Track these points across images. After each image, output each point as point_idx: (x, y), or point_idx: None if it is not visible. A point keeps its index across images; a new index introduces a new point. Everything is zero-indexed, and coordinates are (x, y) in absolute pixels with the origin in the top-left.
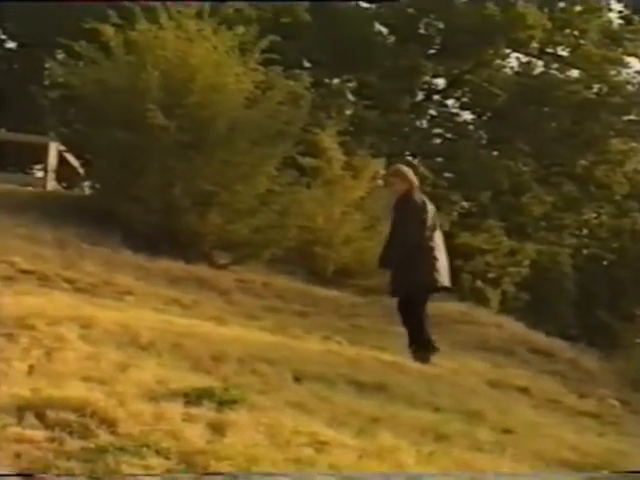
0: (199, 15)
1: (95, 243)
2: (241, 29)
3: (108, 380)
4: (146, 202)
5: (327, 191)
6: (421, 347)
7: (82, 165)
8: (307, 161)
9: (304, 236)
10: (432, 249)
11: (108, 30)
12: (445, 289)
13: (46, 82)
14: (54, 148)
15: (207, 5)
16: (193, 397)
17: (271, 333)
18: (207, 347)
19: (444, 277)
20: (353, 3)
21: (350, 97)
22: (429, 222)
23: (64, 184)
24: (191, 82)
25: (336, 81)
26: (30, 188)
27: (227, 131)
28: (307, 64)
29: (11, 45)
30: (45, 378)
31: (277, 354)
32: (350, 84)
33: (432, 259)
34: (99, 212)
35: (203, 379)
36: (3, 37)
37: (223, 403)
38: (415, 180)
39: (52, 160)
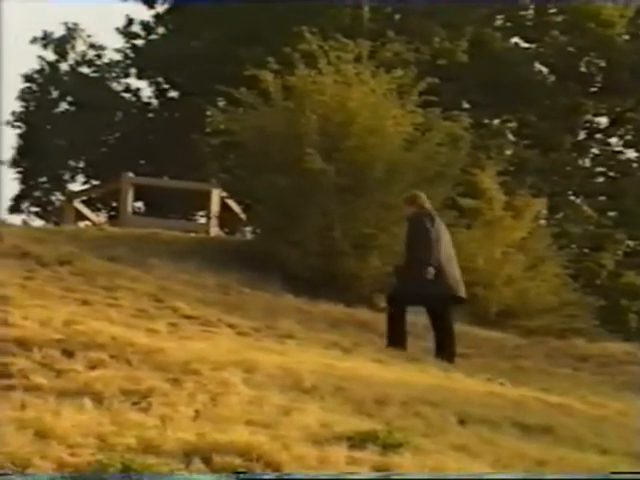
0: (357, 59)
1: (256, 287)
2: (399, 72)
3: (272, 424)
4: (306, 246)
5: (487, 232)
6: (446, 352)
7: (243, 210)
8: (467, 202)
9: (465, 277)
10: (441, 263)
11: (267, 76)
12: (458, 299)
13: (207, 129)
14: (216, 194)
15: (365, 49)
16: (357, 440)
17: (433, 375)
18: (369, 390)
19: (454, 288)
20: (512, 43)
21: (510, 137)
22: (435, 238)
23: (226, 230)
24: (349, 125)
25: (496, 121)
26: (193, 234)
27: (385, 174)
28: (466, 105)
29: (173, 94)
30: (210, 422)
31: (440, 396)
32: (510, 124)
33: (441, 272)
34: (260, 256)
35: (366, 422)
36: (166, 86)
37: (387, 446)
38: (423, 203)
39: (214, 206)
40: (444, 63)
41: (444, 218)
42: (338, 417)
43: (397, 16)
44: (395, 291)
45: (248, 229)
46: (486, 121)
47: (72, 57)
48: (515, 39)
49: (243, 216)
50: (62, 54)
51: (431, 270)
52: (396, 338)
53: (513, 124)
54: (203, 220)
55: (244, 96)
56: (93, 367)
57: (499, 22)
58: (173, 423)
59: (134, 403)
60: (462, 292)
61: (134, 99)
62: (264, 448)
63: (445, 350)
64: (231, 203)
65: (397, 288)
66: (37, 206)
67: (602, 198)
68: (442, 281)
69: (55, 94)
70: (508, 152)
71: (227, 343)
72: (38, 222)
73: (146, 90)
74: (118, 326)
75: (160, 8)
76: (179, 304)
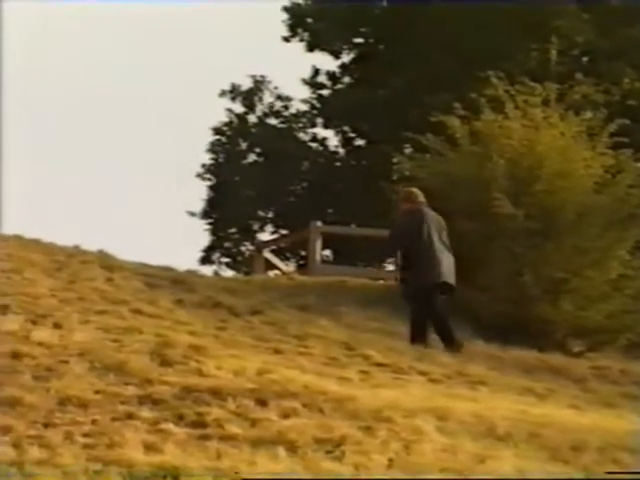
0: (545, 102)
1: None
2: (588, 114)
3: (466, 471)
4: (496, 291)
5: None
6: (449, 342)
7: None
8: None
9: None
10: (434, 252)
11: (454, 122)
12: (448, 286)
13: (394, 176)
14: None
15: (553, 92)
16: None
17: (630, 421)
18: (565, 436)
19: (446, 275)
20: None
21: None
22: (428, 230)
23: None
24: (538, 169)
25: None
26: (382, 281)
27: (576, 217)
28: None
29: (360, 142)
30: (404, 470)
31: (638, 443)
32: None
33: (434, 260)
34: (448, 303)
35: (562, 469)
36: (352, 135)
37: None
38: (416, 199)
39: None
40: (634, 104)
41: (638, 261)
42: (533, 464)
43: (585, 58)
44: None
45: None
46: None
47: (260, 109)
48: None
49: None
50: (250, 106)
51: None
52: (418, 335)
53: None
54: (391, 267)
55: (430, 142)
56: (286, 416)
57: None
58: (367, 471)
59: (328, 452)
60: (452, 280)
61: (321, 148)
62: None
63: (451, 338)
64: None
65: (402, 288)
66: (228, 257)
67: None
68: (435, 270)
69: (244, 145)
70: None
71: (419, 390)
72: (229, 272)
73: (333, 139)
74: (310, 374)
75: (346, 58)
76: (370, 352)
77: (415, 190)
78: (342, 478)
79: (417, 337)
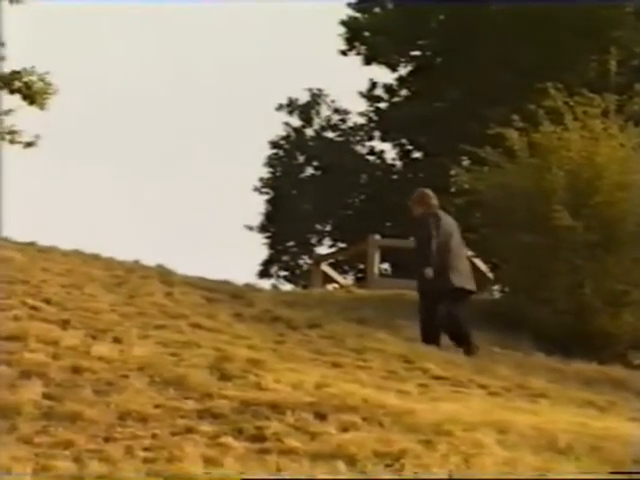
0: (604, 114)
1: (506, 347)
2: None
3: None
4: (556, 304)
5: None
6: (464, 344)
7: (490, 269)
8: None
9: None
10: (447, 257)
11: (512, 134)
12: (466, 291)
13: (451, 189)
14: None
15: (613, 103)
16: None
17: None
18: (626, 449)
19: (461, 281)
20: None
21: None
22: (442, 236)
23: None
24: (598, 181)
25: None
26: None
27: (636, 228)
28: None
29: (417, 155)
30: None
31: None
32: None
33: (447, 266)
34: (509, 315)
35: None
36: (409, 148)
37: None
38: (429, 201)
39: None
40: None
41: None
42: (595, 477)
43: None
44: (421, 293)
45: (495, 288)
46: None
47: (317, 122)
48: None
49: (490, 275)
50: (307, 119)
51: (429, 271)
52: (429, 336)
53: None
54: None
55: (489, 155)
56: (345, 429)
57: None
58: None
59: (387, 465)
60: (469, 284)
61: (378, 161)
62: None
63: (465, 342)
64: (477, 262)
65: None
66: (286, 270)
67: None
68: (450, 276)
69: (301, 159)
70: None
71: (479, 403)
72: (287, 286)
73: (390, 152)
74: (369, 388)
75: (403, 71)
76: (429, 365)
77: (429, 192)
78: (342, 478)
79: (429, 337)
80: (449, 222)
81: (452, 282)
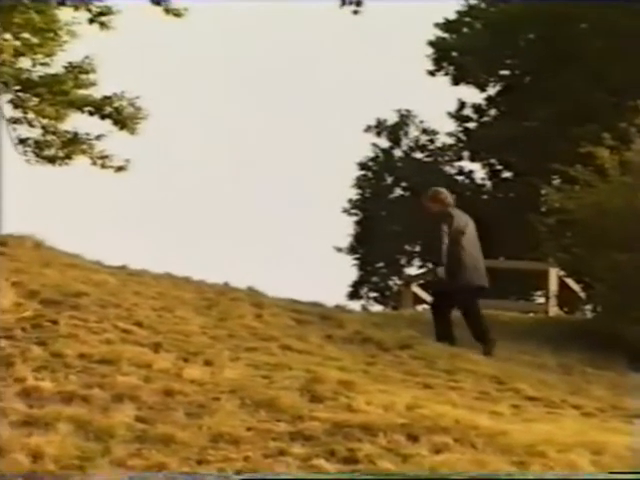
0: None
1: (599, 367)
2: None
3: None
4: None
5: None
6: (483, 341)
7: (583, 289)
8: None
9: None
10: (461, 256)
11: (603, 152)
12: (482, 289)
13: (542, 208)
14: (554, 274)
15: None
16: None
17: None
18: None
19: (475, 279)
20: None
21: None
22: (455, 234)
23: (565, 309)
24: None
25: None
26: (532, 314)
27: None
28: None
29: (507, 175)
30: None
31: None
32: None
33: (460, 264)
34: (602, 335)
35: None
36: (499, 167)
37: None
38: (444, 199)
39: (553, 286)
40: None
41: None
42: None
43: None
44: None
45: (588, 308)
46: None
47: (405, 143)
48: None
49: (582, 295)
50: (396, 140)
51: (440, 271)
52: (442, 334)
53: None
54: (541, 300)
55: (580, 173)
56: (438, 451)
57: None
58: None
59: None
60: (483, 281)
61: (467, 181)
62: None
63: (483, 339)
64: (569, 282)
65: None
66: (375, 291)
67: None
68: (465, 274)
69: (389, 180)
70: None
71: (572, 424)
72: (377, 307)
73: (479, 172)
74: (461, 409)
75: (491, 90)
76: (521, 385)
77: (443, 190)
78: (342, 478)
79: (443, 336)
80: (463, 219)
81: (462, 280)
